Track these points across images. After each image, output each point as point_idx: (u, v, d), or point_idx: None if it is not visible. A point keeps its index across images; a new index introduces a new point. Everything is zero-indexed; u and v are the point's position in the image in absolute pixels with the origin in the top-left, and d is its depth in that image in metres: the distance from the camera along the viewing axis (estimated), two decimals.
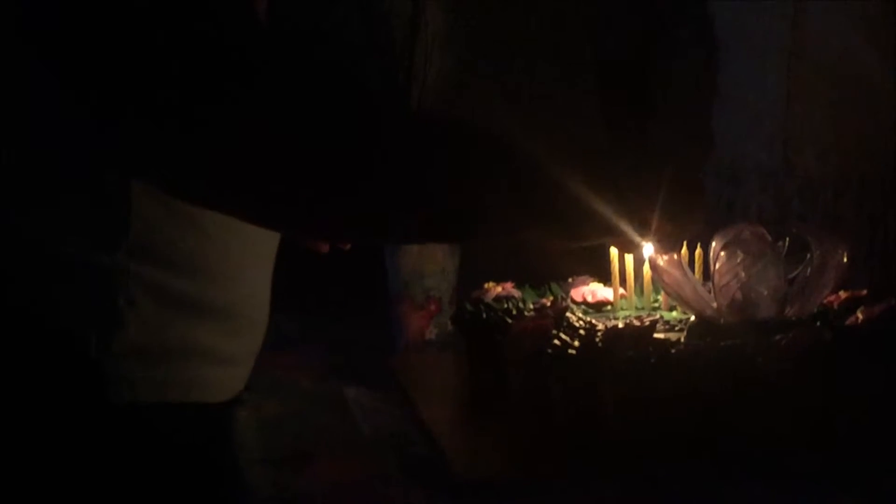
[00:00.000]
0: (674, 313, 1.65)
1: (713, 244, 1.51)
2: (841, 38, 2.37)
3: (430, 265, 1.95)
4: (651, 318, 1.53)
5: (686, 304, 1.51)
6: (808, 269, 1.50)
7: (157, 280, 1.25)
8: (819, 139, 2.42)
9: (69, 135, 1.16)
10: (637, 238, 1.29)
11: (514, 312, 1.59)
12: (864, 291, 1.56)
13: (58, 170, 1.20)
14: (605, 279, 1.73)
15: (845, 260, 1.49)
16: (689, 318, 1.54)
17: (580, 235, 1.29)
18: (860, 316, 1.45)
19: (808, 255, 1.50)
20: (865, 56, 2.37)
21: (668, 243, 1.43)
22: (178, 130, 1.09)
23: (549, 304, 1.60)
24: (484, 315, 1.62)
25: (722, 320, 1.46)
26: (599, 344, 1.38)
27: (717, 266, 1.48)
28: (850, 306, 1.51)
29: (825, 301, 1.55)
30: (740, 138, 2.52)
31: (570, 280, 1.77)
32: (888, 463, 1.33)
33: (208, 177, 1.14)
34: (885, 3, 2.34)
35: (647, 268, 1.66)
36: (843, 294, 1.56)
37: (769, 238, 1.49)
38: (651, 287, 1.69)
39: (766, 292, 1.46)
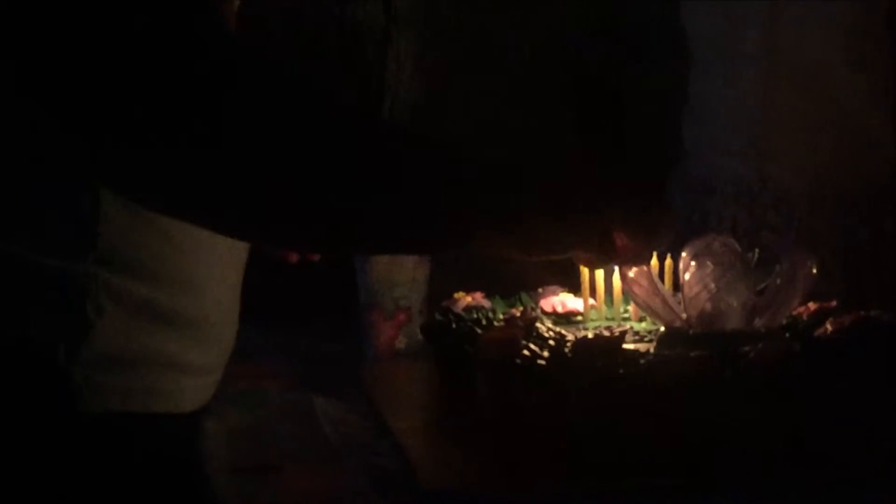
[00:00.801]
0: (643, 324, 1.65)
1: (683, 255, 1.51)
2: (816, 51, 2.38)
3: (400, 275, 1.94)
4: (620, 329, 1.52)
5: (655, 315, 1.51)
6: (778, 281, 1.49)
7: (126, 288, 1.24)
8: (794, 151, 2.43)
9: (37, 144, 1.16)
10: (601, 256, 1.31)
11: (484, 322, 1.58)
12: (834, 302, 1.56)
13: (24, 177, 1.19)
14: (576, 290, 1.73)
15: (814, 271, 1.49)
16: (658, 330, 1.54)
17: (544, 250, 1.30)
18: (829, 327, 1.45)
19: (777, 267, 1.50)
20: (841, 69, 2.38)
21: (631, 261, 1.45)
22: (154, 147, 1.09)
23: (518, 314, 1.60)
24: (453, 325, 1.61)
25: (691, 331, 1.46)
26: (569, 354, 1.38)
27: (687, 277, 1.48)
28: (819, 317, 1.51)
29: (795, 312, 1.54)
30: (715, 150, 2.52)
31: (539, 290, 1.76)
32: (859, 475, 1.33)
33: (187, 192, 1.14)
34: (860, 16, 2.35)
35: (616, 278, 1.66)
36: (812, 305, 1.56)
37: (739, 249, 1.49)
38: (621, 298, 1.69)
39: (735, 303, 1.46)
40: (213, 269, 1.35)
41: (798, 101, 2.41)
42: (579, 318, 1.71)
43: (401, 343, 1.96)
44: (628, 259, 1.40)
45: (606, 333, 1.45)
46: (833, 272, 2.40)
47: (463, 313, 1.65)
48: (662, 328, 1.51)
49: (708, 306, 1.46)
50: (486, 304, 1.71)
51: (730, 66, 2.48)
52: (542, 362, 1.38)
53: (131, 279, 1.25)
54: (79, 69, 1.07)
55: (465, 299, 1.71)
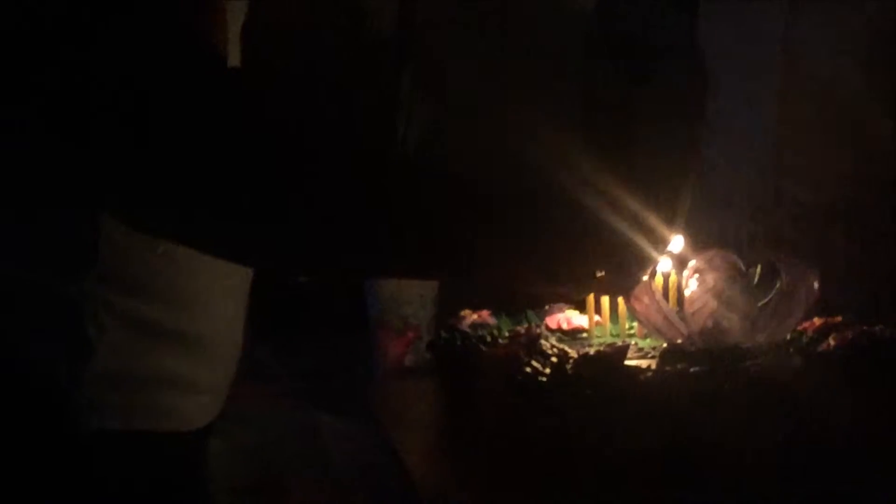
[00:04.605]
0: (647, 341, 1.64)
1: (685, 271, 1.51)
2: (833, 66, 2.37)
3: (408, 292, 1.94)
4: (623, 345, 1.52)
5: (657, 332, 1.51)
6: (778, 296, 1.49)
7: (127, 307, 1.25)
8: (810, 167, 2.42)
9: (32, 164, 1.17)
10: (580, 290, 1.33)
11: (489, 339, 1.58)
12: (839, 318, 1.56)
13: (21, 197, 1.20)
14: (582, 307, 1.73)
15: (816, 286, 1.49)
16: (662, 346, 1.54)
17: (532, 285, 1.32)
18: (832, 342, 1.45)
19: (778, 282, 1.50)
20: (857, 83, 2.37)
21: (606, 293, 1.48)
22: (146, 165, 1.11)
23: (523, 331, 1.60)
24: (458, 342, 1.61)
25: (693, 347, 1.46)
26: (570, 371, 1.38)
27: (689, 293, 1.48)
28: (824, 332, 1.50)
29: (800, 327, 1.54)
30: (731, 165, 2.51)
31: (546, 308, 1.76)
32: (859, 492, 1.33)
33: (188, 223, 1.15)
34: (877, 32, 2.34)
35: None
36: (817, 320, 1.55)
37: (741, 265, 1.49)
38: (626, 314, 1.68)
39: (736, 319, 1.45)
40: (216, 288, 1.35)
41: (814, 116, 2.40)
42: (584, 334, 1.70)
43: (409, 361, 1.96)
44: (604, 292, 1.43)
45: (609, 350, 1.45)
46: (850, 287, 2.39)
47: (468, 331, 1.65)
48: (665, 344, 1.51)
49: (709, 322, 1.45)
50: (492, 321, 1.71)
51: (745, 80, 2.47)
52: (543, 379, 1.37)
53: (133, 298, 1.26)
54: (56, 85, 1.09)
55: (471, 317, 1.71)
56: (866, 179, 2.40)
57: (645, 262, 1.38)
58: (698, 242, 2.45)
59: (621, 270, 1.38)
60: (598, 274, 1.38)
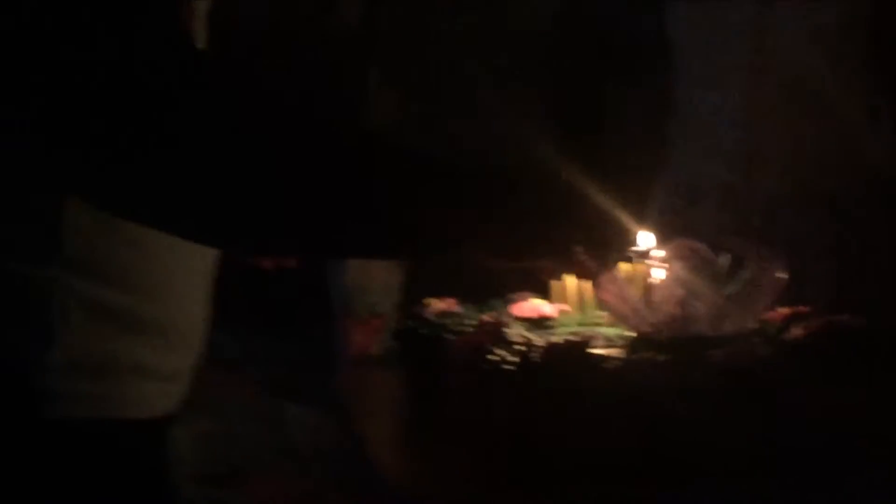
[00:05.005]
0: (614, 329, 1.64)
1: (652, 259, 1.51)
2: (803, 57, 2.38)
3: (373, 281, 1.94)
4: (589, 335, 1.52)
5: (624, 321, 1.50)
6: (744, 285, 1.49)
7: (90, 294, 1.24)
8: (780, 156, 2.42)
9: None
10: (561, 266, 1.31)
11: (454, 328, 1.58)
12: (806, 307, 1.56)
13: None
14: (548, 295, 1.72)
15: (779, 275, 1.49)
16: (629, 335, 1.53)
17: (512, 259, 1.30)
18: (799, 332, 1.45)
19: (744, 272, 1.50)
20: (826, 74, 2.37)
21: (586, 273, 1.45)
22: (115, 155, 1.10)
23: (489, 320, 1.59)
24: (423, 331, 1.61)
25: (660, 336, 1.46)
26: (535, 360, 1.37)
27: (655, 282, 1.48)
28: (790, 322, 1.51)
29: (767, 317, 1.54)
30: (700, 155, 2.52)
31: (512, 296, 1.75)
32: (827, 481, 1.33)
33: (148, 199, 1.15)
34: (848, 21, 2.34)
35: (587, 284, 1.65)
36: (784, 310, 1.55)
37: (708, 253, 1.49)
38: (593, 302, 1.68)
39: (702, 308, 1.45)
40: (179, 275, 1.35)
41: (784, 107, 2.41)
42: (550, 323, 1.69)
43: (375, 349, 1.95)
44: (584, 271, 1.41)
45: (575, 339, 1.45)
46: (820, 277, 2.39)
47: (434, 319, 1.64)
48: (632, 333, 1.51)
49: (676, 311, 1.45)
50: (459, 309, 1.70)
51: (716, 71, 2.48)
52: (510, 368, 1.37)
53: (97, 285, 1.25)
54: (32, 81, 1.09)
55: (437, 305, 1.71)
56: (836, 170, 2.41)
57: (617, 243, 1.37)
58: (666, 232, 2.47)
59: (594, 248, 1.37)
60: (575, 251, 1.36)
